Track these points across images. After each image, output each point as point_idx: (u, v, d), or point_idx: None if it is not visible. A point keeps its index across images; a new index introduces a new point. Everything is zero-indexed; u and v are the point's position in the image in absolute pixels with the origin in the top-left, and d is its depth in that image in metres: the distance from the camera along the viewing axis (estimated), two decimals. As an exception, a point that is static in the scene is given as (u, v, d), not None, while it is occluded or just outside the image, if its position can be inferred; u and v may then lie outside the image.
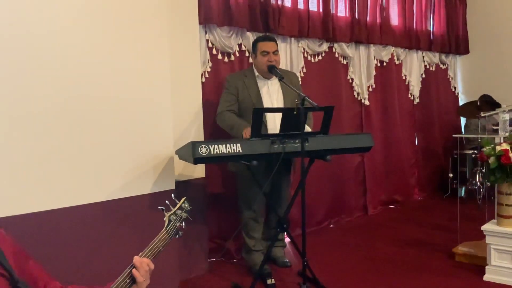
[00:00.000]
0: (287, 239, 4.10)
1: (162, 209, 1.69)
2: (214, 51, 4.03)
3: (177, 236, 1.68)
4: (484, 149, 3.45)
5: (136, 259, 1.53)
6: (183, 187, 3.47)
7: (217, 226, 4.07)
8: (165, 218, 1.67)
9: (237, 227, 3.78)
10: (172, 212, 1.69)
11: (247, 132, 3.29)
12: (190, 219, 1.72)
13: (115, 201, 2.96)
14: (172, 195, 1.74)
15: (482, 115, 4.06)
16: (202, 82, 3.86)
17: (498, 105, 4.88)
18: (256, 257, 3.70)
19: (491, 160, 3.35)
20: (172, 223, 1.67)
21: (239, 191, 3.77)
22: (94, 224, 2.86)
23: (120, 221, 2.99)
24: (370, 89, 5.55)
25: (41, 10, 2.64)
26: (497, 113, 3.83)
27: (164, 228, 1.64)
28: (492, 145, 3.41)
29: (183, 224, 1.70)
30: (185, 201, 1.74)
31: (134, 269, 1.51)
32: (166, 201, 1.72)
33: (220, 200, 4.07)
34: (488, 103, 5.21)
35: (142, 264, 1.52)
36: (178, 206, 1.71)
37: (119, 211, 2.98)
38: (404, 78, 6.11)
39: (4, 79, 2.50)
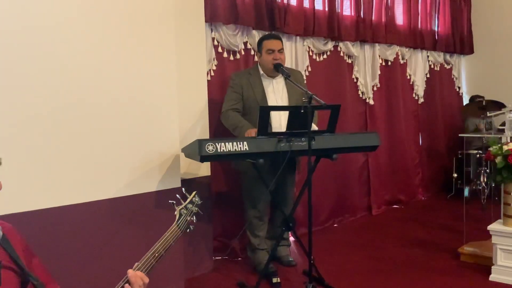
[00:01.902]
0: (291, 238, 4.09)
1: (172, 203, 1.67)
2: (219, 49, 4.02)
3: (188, 231, 1.66)
4: (491, 148, 3.43)
5: (130, 273, 1.46)
6: (189, 185, 3.46)
7: (222, 225, 4.06)
8: (175, 212, 1.65)
9: (242, 225, 3.77)
10: (182, 206, 1.67)
11: (250, 134, 3.28)
12: (201, 213, 1.71)
13: (121, 198, 2.95)
14: (183, 189, 1.73)
15: (488, 115, 4.05)
16: (208, 80, 3.86)
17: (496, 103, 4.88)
18: (261, 255, 3.69)
19: (498, 159, 3.34)
20: (183, 217, 1.65)
21: (243, 190, 3.76)
22: (101, 221, 2.86)
23: (126, 219, 2.98)
24: (375, 88, 5.55)
25: (48, 12, 2.63)
26: (498, 114, 3.82)
27: (175, 222, 1.62)
28: (499, 145, 3.40)
29: (194, 218, 1.69)
30: (196, 195, 1.73)
31: (127, 285, 1.45)
32: (177, 195, 1.70)
33: (225, 198, 4.06)
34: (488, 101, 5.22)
35: (136, 279, 1.46)
36: (188, 200, 1.70)
37: (126, 208, 2.97)
38: (408, 77, 6.11)
39: (15, 80, 2.50)
